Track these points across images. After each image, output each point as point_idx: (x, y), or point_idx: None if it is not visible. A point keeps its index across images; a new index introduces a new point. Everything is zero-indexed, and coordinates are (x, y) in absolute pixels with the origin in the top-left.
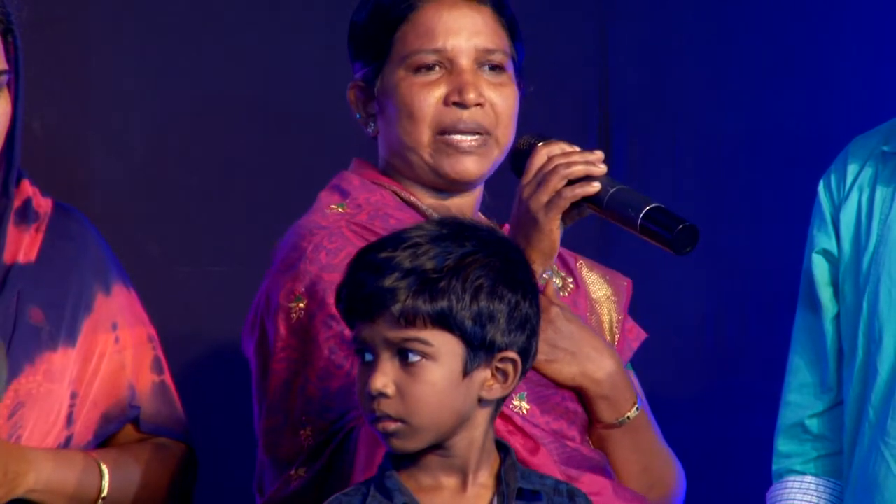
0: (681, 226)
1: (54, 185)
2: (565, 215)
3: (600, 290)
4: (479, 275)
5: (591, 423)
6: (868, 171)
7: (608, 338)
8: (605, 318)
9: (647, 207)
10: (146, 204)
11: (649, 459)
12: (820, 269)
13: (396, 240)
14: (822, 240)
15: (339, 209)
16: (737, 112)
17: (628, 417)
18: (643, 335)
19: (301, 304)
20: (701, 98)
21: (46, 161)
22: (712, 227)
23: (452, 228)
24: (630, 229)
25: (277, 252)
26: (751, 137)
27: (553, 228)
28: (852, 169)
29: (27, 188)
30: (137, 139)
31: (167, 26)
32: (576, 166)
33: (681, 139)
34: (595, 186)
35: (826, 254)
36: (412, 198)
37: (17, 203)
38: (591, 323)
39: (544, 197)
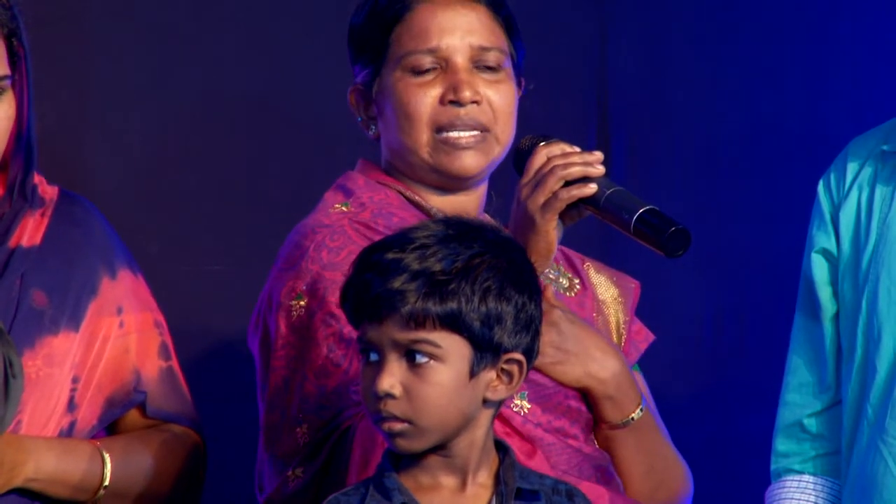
0: (673, 228)
1: (53, 183)
2: (564, 215)
3: (608, 291)
4: (488, 276)
5: (596, 424)
6: (867, 171)
7: (615, 338)
8: (612, 319)
9: (641, 210)
10: (145, 203)
11: (654, 460)
12: (819, 268)
13: (403, 240)
14: (822, 239)
15: (343, 208)
16: (736, 111)
17: (633, 418)
18: (651, 337)
19: (302, 302)
20: (700, 97)
21: (45, 160)
22: (711, 226)
23: (459, 229)
24: (624, 231)
25: (281, 251)
26: (750, 137)
27: (549, 230)
28: (852, 168)
29: (33, 177)
30: (137, 138)
31: (167, 26)
32: (573, 167)
33: (680, 138)
34: (591, 188)
35: (825, 253)
36: (416, 197)
37: None
38: (597, 324)
39: (541, 198)
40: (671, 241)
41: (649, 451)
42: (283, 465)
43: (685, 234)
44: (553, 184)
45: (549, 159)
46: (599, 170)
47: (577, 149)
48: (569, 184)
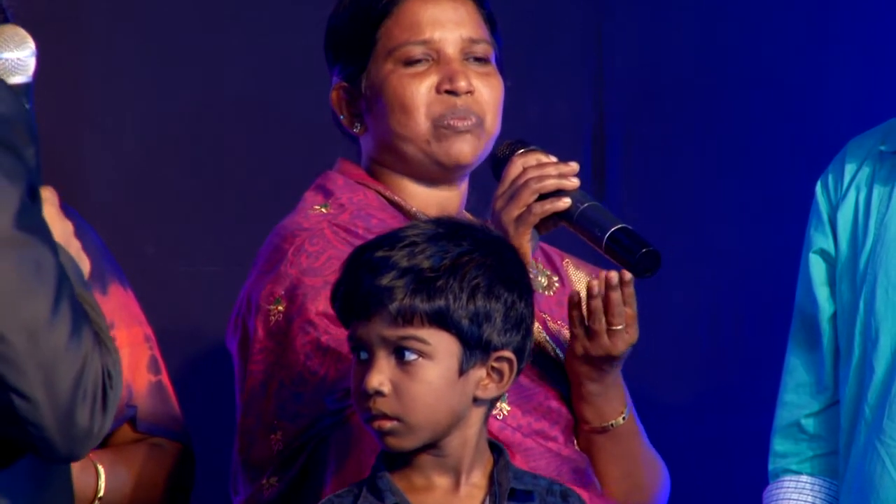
0: (644, 250)
1: (49, 184)
2: (539, 225)
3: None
4: (476, 274)
5: (578, 423)
6: (865, 171)
7: None
8: None
9: (613, 228)
10: (141, 204)
11: (631, 466)
12: (817, 268)
13: (393, 239)
14: (819, 239)
15: (322, 210)
16: (732, 111)
17: (612, 424)
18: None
19: (280, 307)
20: (698, 96)
21: (42, 161)
22: (709, 226)
23: (448, 227)
24: (596, 248)
25: (260, 252)
26: (748, 137)
27: (523, 242)
28: (850, 169)
29: None
30: (133, 140)
31: (163, 27)
32: (548, 180)
33: (676, 138)
34: (565, 202)
35: (823, 253)
36: (396, 197)
37: None
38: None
39: (515, 211)
40: (641, 263)
41: (627, 457)
42: (256, 473)
43: (656, 256)
44: (527, 197)
45: (524, 170)
46: (574, 182)
47: (554, 158)
48: (543, 197)
